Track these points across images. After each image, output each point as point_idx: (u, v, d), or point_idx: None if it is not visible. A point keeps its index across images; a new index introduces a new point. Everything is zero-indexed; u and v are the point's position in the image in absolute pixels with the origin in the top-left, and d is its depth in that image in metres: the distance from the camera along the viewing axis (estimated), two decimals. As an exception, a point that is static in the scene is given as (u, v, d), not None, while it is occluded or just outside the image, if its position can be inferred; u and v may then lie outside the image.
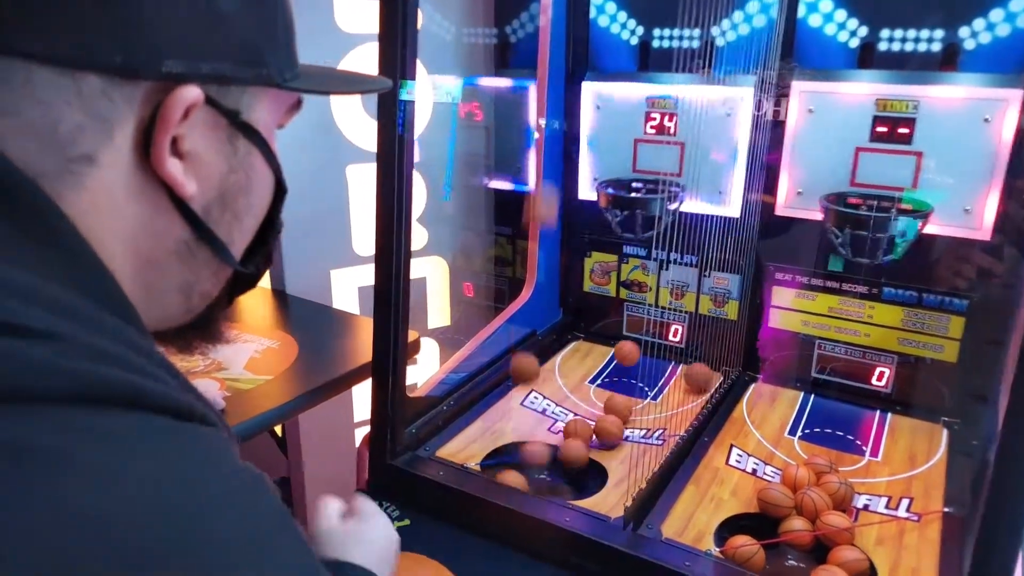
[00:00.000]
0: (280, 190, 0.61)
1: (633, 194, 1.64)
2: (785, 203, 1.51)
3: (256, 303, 1.94)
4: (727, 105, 1.51)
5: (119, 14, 0.45)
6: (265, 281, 2.00)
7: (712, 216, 1.51)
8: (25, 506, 0.34)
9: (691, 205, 1.58)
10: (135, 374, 0.42)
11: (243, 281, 0.63)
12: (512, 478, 1.27)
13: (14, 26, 0.43)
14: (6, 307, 0.39)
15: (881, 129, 1.38)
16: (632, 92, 1.64)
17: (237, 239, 0.58)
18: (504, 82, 1.84)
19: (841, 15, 1.41)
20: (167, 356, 0.49)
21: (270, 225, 0.62)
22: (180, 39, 0.48)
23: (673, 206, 1.57)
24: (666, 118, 1.61)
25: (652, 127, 1.63)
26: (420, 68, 1.19)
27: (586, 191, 1.76)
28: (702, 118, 1.51)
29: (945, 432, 1.42)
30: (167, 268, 0.54)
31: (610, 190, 1.64)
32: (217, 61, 0.50)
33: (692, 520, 1.17)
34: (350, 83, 0.73)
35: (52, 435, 0.36)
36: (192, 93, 0.49)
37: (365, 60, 1.84)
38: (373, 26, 1.14)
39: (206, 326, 0.62)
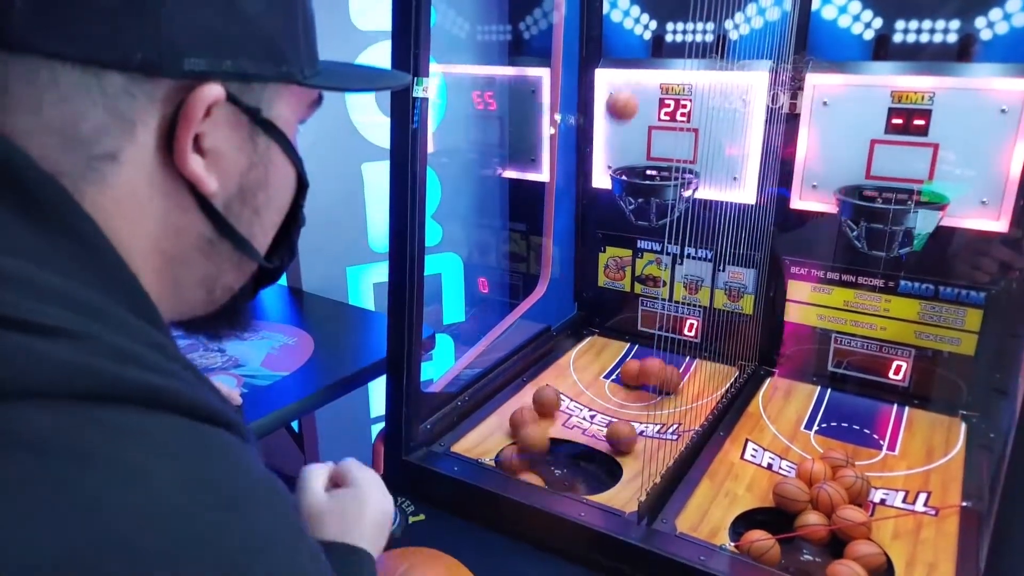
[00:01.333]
0: (302, 185, 0.61)
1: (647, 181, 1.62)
2: (800, 196, 1.50)
3: (273, 300, 1.96)
4: (742, 89, 1.49)
5: (142, 12, 0.45)
6: (281, 278, 2.01)
7: (727, 203, 1.50)
8: (49, 500, 0.34)
9: (706, 192, 1.56)
10: (157, 374, 0.42)
11: (267, 274, 0.63)
12: (527, 475, 1.27)
13: (38, 25, 0.43)
14: (29, 306, 0.39)
15: (896, 121, 1.36)
16: (646, 79, 1.63)
17: (259, 234, 0.59)
18: (518, 71, 1.83)
19: (856, 7, 1.39)
20: (188, 356, 0.49)
21: (293, 219, 0.62)
22: (202, 37, 0.48)
23: (688, 192, 1.56)
24: (680, 104, 1.60)
25: (666, 114, 1.62)
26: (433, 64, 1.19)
27: (600, 179, 1.74)
28: (717, 102, 1.50)
29: (963, 426, 1.41)
30: (190, 263, 0.54)
31: (624, 177, 1.63)
32: (238, 59, 0.50)
33: (707, 515, 1.17)
34: (370, 79, 0.73)
35: (76, 432, 0.37)
36: (214, 91, 0.49)
37: (380, 57, 1.85)
38: (388, 23, 1.14)
39: (232, 315, 0.63)
